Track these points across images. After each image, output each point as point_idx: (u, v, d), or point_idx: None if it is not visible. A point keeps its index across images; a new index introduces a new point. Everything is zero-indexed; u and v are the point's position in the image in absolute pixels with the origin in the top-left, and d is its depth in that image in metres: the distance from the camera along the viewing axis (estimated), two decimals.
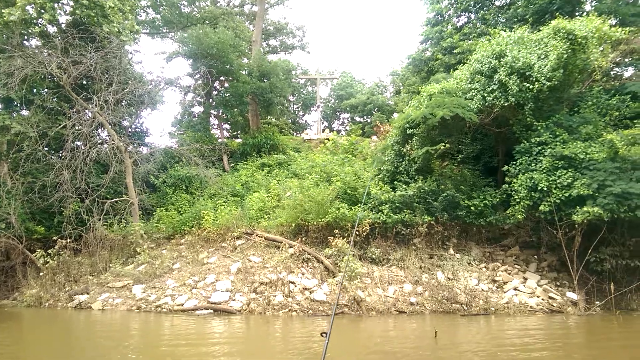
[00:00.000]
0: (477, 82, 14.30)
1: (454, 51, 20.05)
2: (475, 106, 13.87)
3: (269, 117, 30.37)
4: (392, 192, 14.66)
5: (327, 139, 23.84)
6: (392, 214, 14.19)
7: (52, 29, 17.71)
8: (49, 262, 15.14)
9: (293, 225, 14.99)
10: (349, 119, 42.43)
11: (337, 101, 42.80)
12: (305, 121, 43.68)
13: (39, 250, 15.46)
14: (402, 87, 35.91)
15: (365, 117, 39.54)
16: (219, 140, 24.68)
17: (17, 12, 14.59)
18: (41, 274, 15.33)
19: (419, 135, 14.30)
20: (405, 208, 14.20)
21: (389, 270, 13.83)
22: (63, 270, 15.28)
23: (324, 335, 4.02)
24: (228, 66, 21.28)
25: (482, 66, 14.23)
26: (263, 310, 12.11)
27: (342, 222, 14.23)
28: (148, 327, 11.26)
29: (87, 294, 14.07)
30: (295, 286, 13.04)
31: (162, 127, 68.33)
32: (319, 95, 33.62)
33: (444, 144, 13.68)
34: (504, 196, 14.14)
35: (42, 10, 15.86)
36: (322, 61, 79.99)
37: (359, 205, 14.60)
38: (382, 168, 16.21)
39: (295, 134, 33.70)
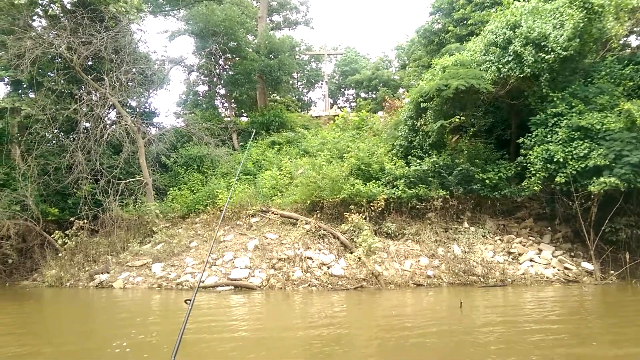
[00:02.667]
0: (491, 53, 14.15)
1: (467, 22, 19.76)
2: (490, 78, 13.74)
3: (274, 94, 30.19)
4: (407, 167, 14.69)
5: (336, 116, 23.75)
6: (406, 189, 14.25)
7: (57, 10, 17.53)
8: (67, 242, 15.32)
9: (308, 202, 15.07)
10: (354, 95, 42.16)
11: (341, 77, 42.45)
12: (310, 98, 43.50)
13: (57, 232, 15.61)
14: (407, 61, 35.57)
15: (370, 92, 39.27)
16: (227, 118, 24.60)
17: None
18: (60, 254, 15.53)
19: (433, 109, 14.24)
20: (419, 183, 14.24)
21: (405, 245, 13.96)
22: (81, 250, 15.47)
23: (188, 302, 4.17)
24: (235, 44, 21.06)
25: (496, 37, 14.07)
26: (283, 286, 12.30)
27: (357, 198, 14.30)
28: (170, 302, 11.47)
29: (108, 273, 14.27)
30: (313, 262, 13.20)
31: (167, 107, 67.91)
32: (325, 71, 33.26)
33: (458, 117, 13.64)
34: (519, 169, 14.14)
35: None
36: (326, 37, 78.96)
37: (373, 180, 14.66)
38: (395, 143, 16.20)
39: (300, 111, 33.51)
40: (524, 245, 13.89)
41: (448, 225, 14.45)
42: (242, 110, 29.85)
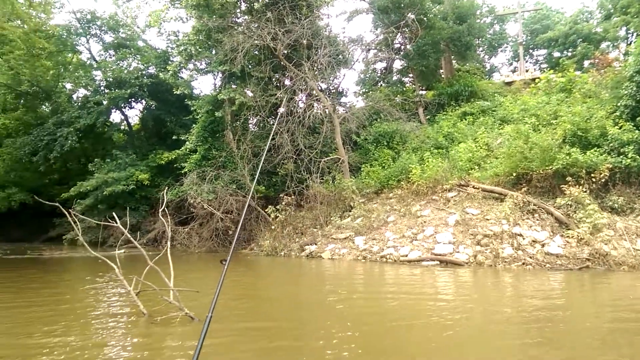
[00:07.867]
0: None
1: None
2: None
3: (456, 63, 28.71)
4: (637, 131, 12.55)
5: (535, 79, 21.53)
6: (637, 157, 12.20)
7: (259, 4, 19.17)
8: (278, 216, 16.95)
9: (513, 174, 14.00)
10: (545, 56, 37.83)
11: (529, 37, 38.47)
12: (492, 64, 40.47)
13: (270, 207, 17.37)
14: (612, 10, 30.51)
15: (566, 50, 34.70)
16: (412, 93, 24.28)
17: None
18: (272, 227, 17.29)
19: None
20: None
21: (636, 221, 12.05)
22: (290, 223, 17.01)
23: (224, 262, 4.01)
24: (422, 15, 20.47)
25: None
26: (492, 263, 11.68)
27: (573, 169, 12.74)
28: (386, 274, 11.77)
29: (315, 244, 15.43)
30: (524, 239, 12.23)
31: (348, 87, 70.28)
32: (517, 32, 30.45)
33: None
34: None
35: None
36: None
37: (593, 148, 12.90)
38: (618, 104, 13.96)
39: (486, 78, 31.33)
40: None
41: None
42: (421, 84, 29.08)
